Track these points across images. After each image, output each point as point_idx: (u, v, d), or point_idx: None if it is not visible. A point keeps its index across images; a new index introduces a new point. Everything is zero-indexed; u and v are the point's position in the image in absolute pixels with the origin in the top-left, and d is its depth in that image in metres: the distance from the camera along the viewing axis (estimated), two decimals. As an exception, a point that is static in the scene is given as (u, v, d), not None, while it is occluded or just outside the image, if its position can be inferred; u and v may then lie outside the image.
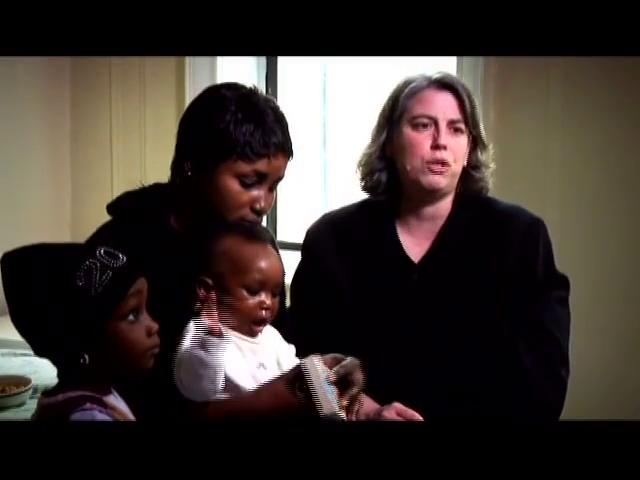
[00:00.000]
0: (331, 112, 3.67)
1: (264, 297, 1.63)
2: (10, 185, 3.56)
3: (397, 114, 1.88)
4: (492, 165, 1.96)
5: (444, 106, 1.85)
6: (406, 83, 1.89)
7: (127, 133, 3.66)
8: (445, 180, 1.85)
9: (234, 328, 1.62)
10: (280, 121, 1.73)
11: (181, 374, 1.55)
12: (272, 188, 1.75)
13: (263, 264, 1.63)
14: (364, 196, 2.01)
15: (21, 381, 2.36)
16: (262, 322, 1.65)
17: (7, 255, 1.36)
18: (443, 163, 1.84)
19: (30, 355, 2.43)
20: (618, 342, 2.83)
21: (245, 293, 1.62)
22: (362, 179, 1.97)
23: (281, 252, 1.85)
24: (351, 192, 2.04)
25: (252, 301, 1.62)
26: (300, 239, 2.05)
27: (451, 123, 1.85)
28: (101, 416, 1.34)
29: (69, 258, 1.34)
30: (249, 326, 1.63)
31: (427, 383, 1.81)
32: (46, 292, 1.31)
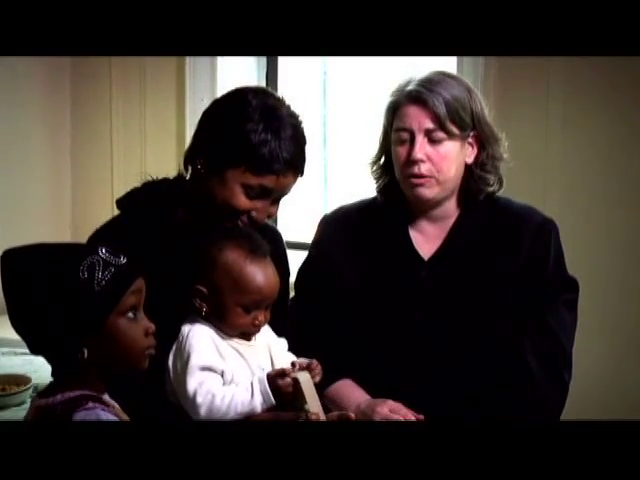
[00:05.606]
0: (331, 111, 3.67)
1: (257, 314, 1.64)
2: (10, 185, 3.55)
3: (389, 126, 1.89)
4: (505, 156, 1.93)
5: (418, 117, 1.82)
6: (392, 94, 1.88)
7: (127, 133, 3.65)
8: (430, 191, 1.84)
9: (227, 334, 1.65)
10: (298, 139, 1.71)
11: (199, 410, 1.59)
12: (276, 201, 1.76)
13: (262, 284, 1.63)
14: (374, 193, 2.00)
15: (21, 380, 2.35)
16: (252, 334, 1.67)
17: (6, 253, 1.37)
18: (422, 175, 1.82)
19: (30, 354, 2.43)
20: (615, 341, 2.83)
21: (240, 310, 1.63)
22: (375, 182, 1.97)
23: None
24: (352, 191, 2.04)
25: (246, 319, 1.64)
26: (300, 238, 2.06)
27: (428, 133, 1.82)
28: (105, 414, 1.35)
29: (69, 256, 1.36)
30: (241, 333, 1.66)
31: (431, 380, 1.81)
32: (46, 287, 1.32)
